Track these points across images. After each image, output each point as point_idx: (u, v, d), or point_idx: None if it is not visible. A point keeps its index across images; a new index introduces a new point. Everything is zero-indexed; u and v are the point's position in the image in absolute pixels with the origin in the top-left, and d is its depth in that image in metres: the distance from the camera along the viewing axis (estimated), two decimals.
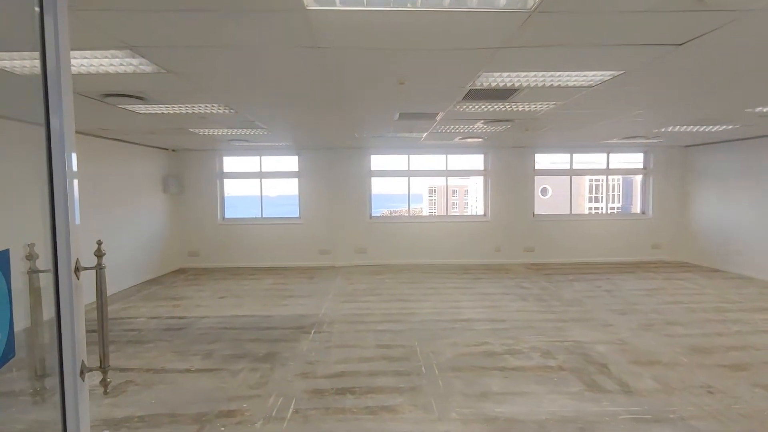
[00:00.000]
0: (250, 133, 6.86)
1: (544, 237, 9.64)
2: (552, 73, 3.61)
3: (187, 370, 4.05)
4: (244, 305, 6.33)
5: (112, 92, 4.13)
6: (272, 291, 7.20)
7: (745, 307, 5.92)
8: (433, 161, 9.79)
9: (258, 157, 9.68)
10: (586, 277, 7.99)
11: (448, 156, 9.75)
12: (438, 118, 5.61)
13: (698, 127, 6.58)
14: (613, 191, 52.01)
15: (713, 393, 3.51)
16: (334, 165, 9.48)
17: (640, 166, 9.96)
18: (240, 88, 4.05)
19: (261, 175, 9.72)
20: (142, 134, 6.98)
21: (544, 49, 3.03)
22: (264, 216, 9.82)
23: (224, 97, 4.43)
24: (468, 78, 3.74)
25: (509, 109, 5.11)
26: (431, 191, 70.49)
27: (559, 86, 4.03)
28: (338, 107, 4.94)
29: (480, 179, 9.79)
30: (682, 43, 2.92)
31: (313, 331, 5.11)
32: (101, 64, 3.32)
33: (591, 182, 49.98)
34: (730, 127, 6.55)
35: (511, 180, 9.60)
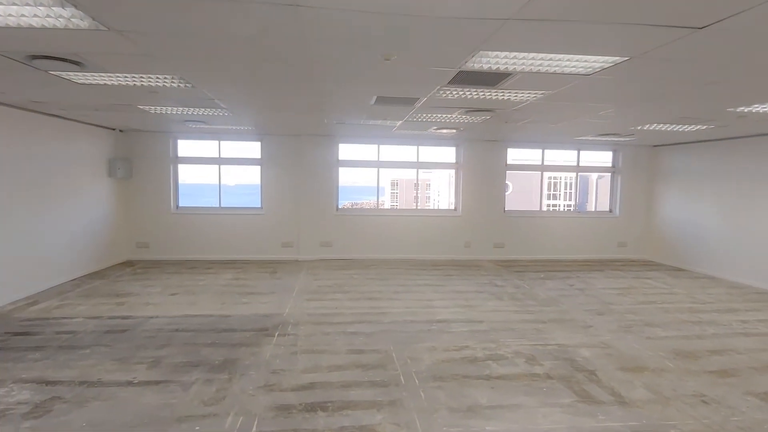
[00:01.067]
0: (208, 113, 6.22)
1: (514, 233, 9.50)
2: (553, 56, 3.28)
3: (129, 383, 3.49)
4: (199, 303, 5.74)
5: (40, 53, 3.46)
6: (231, 287, 6.62)
7: (716, 308, 5.91)
8: (404, 152, 9.39)
9: (217, 142, 8.98)
10: (558, 275, 7.88)
11: (420, 148, 9.40)
12: (417, 104, 5.21)
13: (674, 126, 6.53)
14: (569, 189, 53.87)
15: (708, 403, 3.32)
16: (299, 153, 8.92)
17: (608, 164, 9.99)
18: (199, 56, 3.49)
19: (220, 161, 9.02)
20: (83, 110, 6.19)
21: (554, 25, 2.67)
22: (222, 205, 9.14)
23: (179, 67, 3.84)
24: (462, 56, 3.35)
25: (494, 98, 4.78)
26: (393, 184, 70.29)
27: (554, 73, 3.72)
28: (312, 85, 4.44)
29: (442, 173, 9.52)
30: (703, 27, 2.65)
31: (276, 334, 4.62)
32: (22, 14, 2.70)
33: (550, 180, 51.55)
34: (704, 127, 6.52)
35: (482, 174, 9.38)
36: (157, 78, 4.23)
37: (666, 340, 4.64)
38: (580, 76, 3.82)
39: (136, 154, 8.70)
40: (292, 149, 8.93)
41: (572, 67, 3.55)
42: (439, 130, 7.52)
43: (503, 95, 4.66)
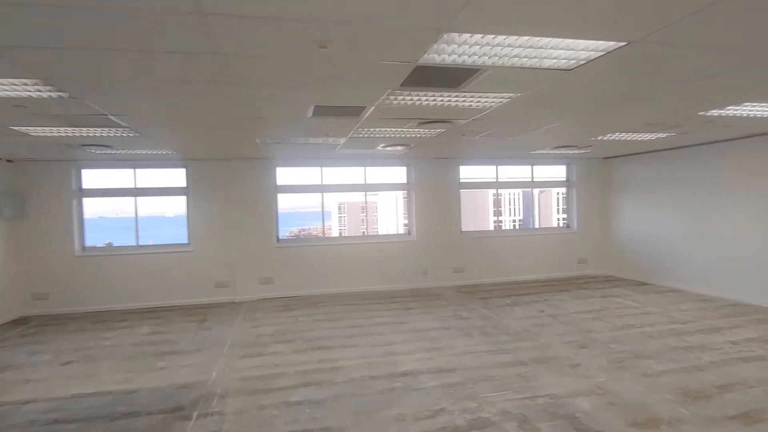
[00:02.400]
0: (110, 135, 5.09)
1: (473, 256, 8.85)
2: (534, 41, 2.58)
3: None
4: (97, 375, 4.48)
5: None
6: (145, 346, 5.37)
7: (698, 328, 5.44)
8: (350, 174, 8.56)
9: (132, 170, 7.71)
10: (524, 299, 7.24)
11: (367, 169, 8.60)
12: (364, 115, 4.40)
13: (637, 135, 6.16)
14: (512, 205, 55.25)
15: None
16: (231, 179, 7.83)
17: (562, 178, 9.67)
18: (72, 53, 2.48)
19: (136, 192, 7.74)
20: None
21: None
22: (140, 244, 7.81)
23: (46, 68, 2.80)
24: (422, 44, 2.57)
25: (455, 105, 4.06)
26: (341, 207, 68.90)
27: (531, 67, 3.04)
28: (231, 91, 3.51)
29: (391, 195, 8.75)
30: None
31: (195, 415, 3.52)
32: None
33: (495, 196, 52.68)
34: (665, 135, 6.20)
35: (436, 194, 8.71)
36: (16, 84, 3.14)
37: (665, 376, 4.01)
38: (559, 72, 3.16)
39: (30, 188, 7.25)
40: (222, 176, 7.83)
41: (554, 58, 2.88)
42: (388, 148, 6.76)
43: (465, 101, 3.95)
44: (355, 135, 5.55)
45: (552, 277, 9.11)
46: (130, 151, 6.46)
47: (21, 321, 6.87)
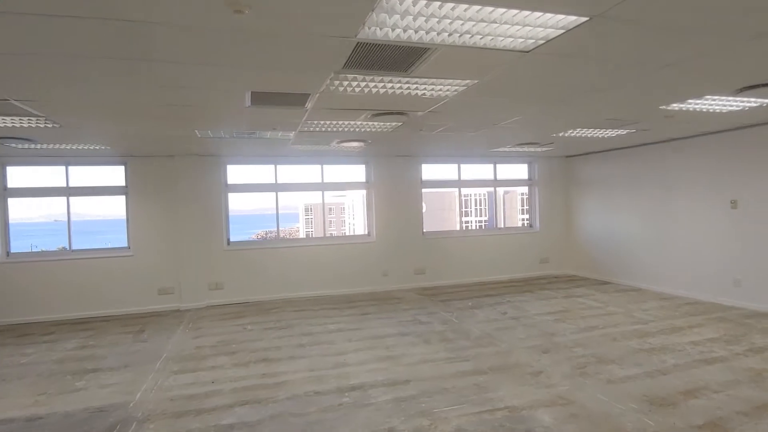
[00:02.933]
0: (26, 126, 4.49)
1: (435, 257, 8.57)
2: (486, 15, 2.27)
3: None
4: (5, 398, 3.90)
5: None
6: (67, 363, 4.78)
7: (660, 328, 5.32)
8: (307, 172, 8.13)
9: (63, 168, 7.02)
10: (486, 301, 7.01)
11: (324, 167, 8.20)
12: (309, 104, 4.01)
13: (597, 131, 6.02)
14: (479, 205, 55.85)
15: None
16: (175, 178, 7.25)
17: (525, 177, 9.55)
18: None
19: (68, 191, 7.05)
20: None
21: None
22: (73, 248, 7.12)
23: None
24: (358, 12, 2.21)
25: (407, 92, 3.73)
26: (308, 209, 67.58)
27: (485, 47, 2.73)
28: (143, 73, 3.05)
29: (358, 195, 8.35)
30: None
31: None
32: None
33: (461, 197, 53.00)
34: (625, 132, 6.10)
35: (396, 194, 8.39)
36: None
37: (630, 383, 3.80)
38: (516, 54, 2.87)
39: None
40: (166, 174, 7.25)
41: (509, 36, 2.58)
42: (343, 143, 6.37)
43: (418, 88, 3.62)
44: (305, 129, 5.14)
45: (515, 278, 8.95)
46: (59, 146, 5.83)
47: None
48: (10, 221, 6.94)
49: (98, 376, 4.34)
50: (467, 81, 3.46)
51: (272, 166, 7.88)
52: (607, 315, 6.02)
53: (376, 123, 5.01)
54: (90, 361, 4.82)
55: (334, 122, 4.88)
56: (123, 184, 7.18)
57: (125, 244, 7.24)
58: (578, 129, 5.85)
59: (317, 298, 7.64)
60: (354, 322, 6.03)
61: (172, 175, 7.23)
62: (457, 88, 3.63)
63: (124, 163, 7.14)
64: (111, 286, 7.03)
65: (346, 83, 3.42)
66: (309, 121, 4.74)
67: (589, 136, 6.37)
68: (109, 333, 5.94)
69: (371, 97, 3.83)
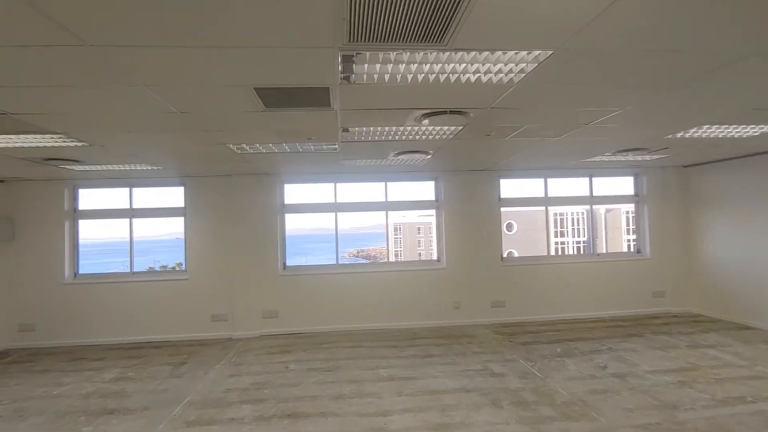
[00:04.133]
0: (58, 145, 4.28)
1: (516, 287, 7.29)
2: None
3: None
4: None
5: None
6: (92, 399, 4.41)
7: None
8: (371, 191, 7.38)
9: (128, 189, 7.03)
10: (580, 348, 5.61)
11: (389, 184, 7.41)
12: (335, 104, 3.22)
13: (734, 129, 4.50)
14: (576, 225, 51.40)
15: None
16: (230, 197, 6.92)
17: (630, 192, 7.91)
18: None
19: (132, 213, 7.02)
20: None
21: None
22: (134, 270, 7.05)
23: None
24: None
25: (453, 75, 2.77)
26: (396, 228, 67.24)
27: None
28: (105, 66, 2.47)
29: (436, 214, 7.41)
30: None
31: None
32: None
33: (555, 216, 49.03)
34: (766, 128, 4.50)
35: (470, 213, 7.30)
36: None
37: None
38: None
39: (21, 209, 6.73)
40: (221, 194, 6.95)
41: None
42: (402, 156, 5.52)
43: (467, 68, 2.65)
44: (347, 138, 4.38)
45: (619, 316, 7.32)
46: (126, 167, 5.73)
47: (3, 355, 6.24)
48: (81, 241, 7.09)
49: (109, 421, 3.85)
50: (536, 53, 2.42)
51: (331, 185, 7.27)
52: (755, 378, 4.38)
53: (431, 128, 4.10)
54: (115, 398, 4.40)
55: (379, 128, 4.05)
56: (182, 205, 7.00)
57: (183, 267, 7.01)
58: (706, 126, 4.40)
59: (377, 333, 6.77)
60: (411, 368, 5.04)
61: (228, 195, 6.91)
62: (522, 66, 2.60)
63: (183, 184, 6.97)
64: (166, 311, 6.80)
65: (365, 68, 2.57)
66: (347, 128, 3.96)
67: (720, 136, 4.83)
68: (153, 363, 5.60)
69: (408, 88, 2.94)
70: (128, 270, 7.00)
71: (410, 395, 4.22)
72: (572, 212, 48.34)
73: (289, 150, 4.94)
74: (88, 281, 6.87)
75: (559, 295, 7.32)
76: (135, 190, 7.05)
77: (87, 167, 5.65)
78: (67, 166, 5.50)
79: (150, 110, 3.24)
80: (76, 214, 6.95)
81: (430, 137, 4.49)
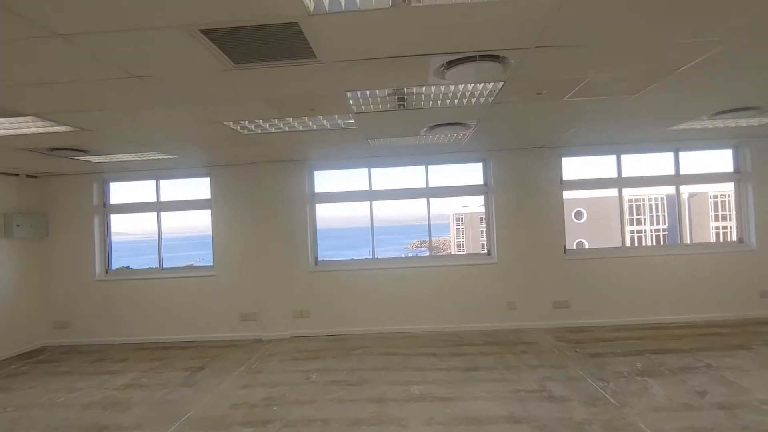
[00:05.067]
0: (61, 132, 3.89)
1: (583, 284, 6.16)
2: None
3: None
4: None
5: None
6: (92, 410, 4.00)
7: None
8: (413, 176, 6.58)
9: (154, 182, 6.72)
10: (667, 362, 4.47)
11: (430, 168, 6.54)
12: (319, 52, 2.44)
13: None
14: (654, 211, 46.96)
15: None
16: (257, 187, 6.39)
17: (728, 169, 6.45)
18: None
19: (159, 206, 6.71)
20: None
21: None
22: (163, 267, 6.74)
23: None
24: None
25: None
26: (458, 219, 64.96)
27: None
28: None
29: (490, 199, 6.44)
30: None
31: None
32: None
33: (630, 202, 45.03)
34: None
35: (526, 199, 6.25)
36: None
37: None
38: None
39: (53, 205, 6.64)
40: (247, 184, 6.44)
41: None
42: (437, 130, 4.63)
43: None
44: (358, 107, 3.59)
45: (716, 320, 5.97)
46: (120, 157, 5.36)
47: (33, 353, 6.18)
48: (114, 238, 6.90)
49: None
50: None
51: (365, 170, 6.53)
52: None
53: (461, 87, 3.21)
54: (114, 411, 3.96)
55: (391, 90, 3.22)
56: (208, 196, 6.58)
57: (211, 263, 6.61)
58: None
59: (418, 336, 5.96)
60: (449, 384, 4.19)
61: (255, 185, 6.38)
62: None
63: (209, 174, 6.54)
64: (195, 310, 6.43)
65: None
66: (350, 89, 3.17)
67: None
68: (171, 367, 5.19)
69: (414, 19, 2.09)
70: (157, 266, 6.70)
71: (443, 424, 3.39)
72: (650, 197, 44.17)
73: (301, 128, 4.24)
74: (119, 277, 6.65)
75: (638, 294, 6.10)
76: (162, 183, 6.73)
77: (100, 158, 5.31)
78: (78, 157, 5.18)
79: (92, 73, 2.63)
80: (106, 209, 6.75)
81: (464, 101, 3.58)
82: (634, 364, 4.48)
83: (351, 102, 3.40)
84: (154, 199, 6.71)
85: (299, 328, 6.31)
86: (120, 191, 7.12)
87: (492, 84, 3.16)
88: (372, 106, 3.59)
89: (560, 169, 6.28)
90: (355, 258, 7.15)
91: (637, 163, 6.88)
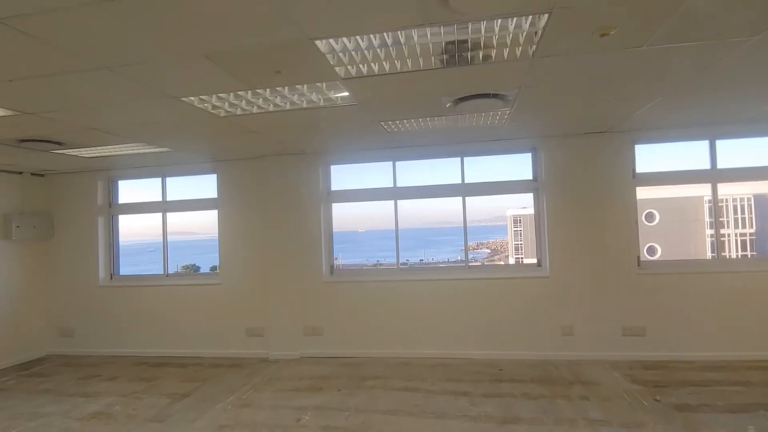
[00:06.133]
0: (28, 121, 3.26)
1: (664, 305, 4.80)
2: None
3: None
4: None
5: None
6: None
7: None
8: (446, 170, 5.53)
9: (159, 179, 6.13)
10: None
11: (466, 161, 5.44)
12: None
13: None
14: (739, 213, 41.84)
15: None
16: (267, 185, 5.60)
17: None
18: None
19: (165, 206, 6.11)
20: None
21: None
22: (168, 273, 6.12)
23: None
24: None
25: None
26: (516, 221, 61.55)
27: None
28: None
29: (540, 200, 5.23)
30: None
31: None
32: None
33: (709, 203, 40.32)
34: None
35: (588, 197, 5.00)
36: None
37: None
38: None
39: (60, 205, 6.23)
40: (255, 181, 5.67)
41: None
42: (466, 106, 3.56)
43: None
44: (350, 69, 2.62)
45: None
46: (153, 150, 4.75)
47: (32, 364, 5.77)
48: (131, 240, 6.40)
49: None
50: None
51: (389, 163, 5.54)
52: None
53: (482, 25, 2.16)
54: None
55: (379, 35, 2.22)
56: (215, 195, 5.87)
57: (218, 270, 5.91)
58: None
59: (447, 365, 4.89)
60: None
61: (262, 182, 5.60)
62: None
63: (216, 170, 5.84)
64: (199, 321, 5.75)
65: None
66: (320, 35, 2.20)
67: None
68: (157, 390, 4.49)
69: None
70: (162, 272, 6.09)
71: None
72: (734, 196, 39.34)
73: (288, 107, 3.34)
74: (123, 284, 6.11)
75: (738, 320, 4.66)
76: (174, 182, 6.13)
77: (84, 152, 4.72)
78: (58, 151, 4.61)
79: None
80: (111, 209, 6.24)
81: (493, 51, 2.51)
82: (744, 427, 3.17)
83: (329, 57, 2.44)
84: (160, 199, 6.11)
85: (310, 346, 5.44)
86: (131, 190, 6.60)
87: (531, 17, 2.07)
88: (363, 67, 2.60)
89: (632, 159, 4.97)
90: (382, 262, 6.17)
91: (730, 153, 5.36)
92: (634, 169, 4.94)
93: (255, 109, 3.42)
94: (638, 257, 4.91)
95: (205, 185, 6.06)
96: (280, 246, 5.51)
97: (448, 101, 3.40)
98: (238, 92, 2.96)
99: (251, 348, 5.58)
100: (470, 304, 5.15)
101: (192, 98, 3.06)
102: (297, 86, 2.92)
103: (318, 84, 2.90)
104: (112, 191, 6.28)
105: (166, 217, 6.10)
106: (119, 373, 5.13)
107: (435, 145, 5.24)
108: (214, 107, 3.32)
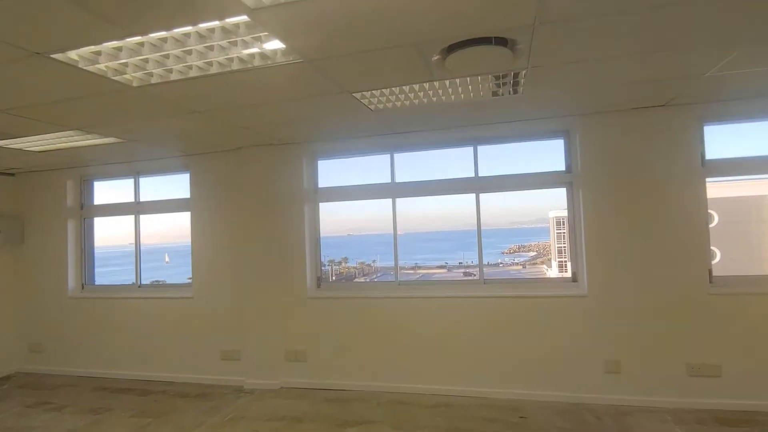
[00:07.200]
0: None
1: (745, 338, 3.57)
2: None
3: None
4: None
5: None
6: None
7: None
8: (457, 161, 4.49)
9: (132, 179, 5.42)
10: None
11: (480, 149, 4.37)
12: None
13: None
14: None
15: None
16: (243, 182, 4.75)
17: None
18: None
19: (137, 208, 5.40)
20: None
21: None
22: (141, 284, 5.39)
23: None
24: None
25: None
26: (559, 222, 58.31)
27: None
28: None
29: (573, 195, 4.08)
30: None
31: None
32: None
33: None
34: None
35: (638, 192, 3.82)
36: None
37: None
38: None
39: (30, 207, 5.65)
40: (229, 176, 4.84)
41: None
42: (458, 57, 2.54)
43: None
44: None
45: None
46: (129, 146, 4.04)
47: (9, 380, 5.18)
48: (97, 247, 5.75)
49: None
50: None
51: (387, 156, 4.56)
52: None
53: None
54: None
55: None
56: (188, 195, 5.09)
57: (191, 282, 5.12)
58: None
59: (451, 403, 3.85)
60: None
61: (239, 178, 4.76)
62: None
63: (188, 167, 5.06)
64: (172, 339, 4.98)
65: None
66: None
67: None
68: (97, 428, 3.71)
69: None
70: (134, 282, 5.37)
71: None
72: None
73: (213, 69, 2.45)
74: (93, 295, 5.45)
75: None
76: (144, 181, 5.42)
77: (18, 142, 4.03)
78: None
79: None
80: (83, 212, 5.60)
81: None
82: None
83: None
84: (132, 199, 5.40)
85: (292, 374, 4.53)
86: (109, 192, 5.95)
87: None
88: None
89: (700, 142, 3.76)
90: (368, 280, 5.19)
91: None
92: (703, 154, 3.74)
93: (174, 75, 2.55)
94: (710, 271, 3.70)
95: (184, 187, 5.30)
96: (258, 253, 4.64)
97: (434, 53, 2.40)
98: (125, 38, 2.08)
99: (226, 374, 4.73)
100: (485, 329, 4.08)
101: (70, 55, 2.21)
102: (204, 35, 2.03)
103: (228, 27, 1.99)
104: (85, 193, 5.64)
105: (140, 220, 5.38)
106: (71, 401, 4.41)
107: (439, 130, 4.22)
108: (116, 72, 2.47)
